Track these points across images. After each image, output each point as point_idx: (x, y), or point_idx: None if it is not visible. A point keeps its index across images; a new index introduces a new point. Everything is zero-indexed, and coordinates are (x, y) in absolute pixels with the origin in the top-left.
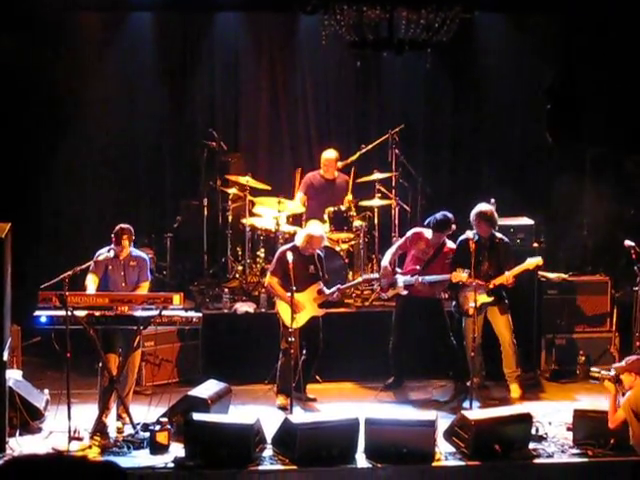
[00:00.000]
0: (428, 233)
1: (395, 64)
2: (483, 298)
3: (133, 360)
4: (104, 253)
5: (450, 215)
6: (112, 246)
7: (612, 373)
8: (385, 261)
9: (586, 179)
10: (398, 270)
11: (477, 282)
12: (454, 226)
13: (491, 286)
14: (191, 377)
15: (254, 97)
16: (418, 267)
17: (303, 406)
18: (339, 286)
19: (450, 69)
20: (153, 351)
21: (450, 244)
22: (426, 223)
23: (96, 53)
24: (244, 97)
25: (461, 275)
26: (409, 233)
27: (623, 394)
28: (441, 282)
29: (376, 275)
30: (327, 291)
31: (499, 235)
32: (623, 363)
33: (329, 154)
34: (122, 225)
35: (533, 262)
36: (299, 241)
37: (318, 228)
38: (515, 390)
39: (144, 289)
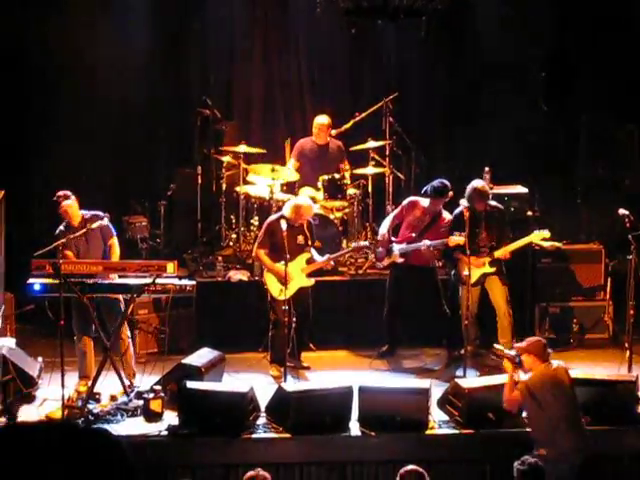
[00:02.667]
0: (424, 202)
1: (389, 32)
2: (485, 268)
3: (124, 328)
4: (59, 230)
5: (447, 182)
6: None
7: (513, 353)
8: (382, 229)
9: (580, 148)
10: (393, 239)
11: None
12: (451, 193)
13: (489, 258)
14: (185, 345)
15: (248, 65)
16: (413, 234)
17: (296, 374)
18: (329, 255)
19: (445, 37)
20: (146, 319)
21: (446, 214)
22: (423, 191)
23: (89, 20)
24: (238, 65)
25: (458, 238)
26: (405, 202)
27: (525, 372)
28: (438, 248)
29: (366, 243)
30: (318, 259)
31: (493, 203)
32: (524, 344)
33: (321, 119)
34: (58, 192)
35: (539, 235)
36: (287, 212)
37: (305, 198)
38: None
39: (115, 246)
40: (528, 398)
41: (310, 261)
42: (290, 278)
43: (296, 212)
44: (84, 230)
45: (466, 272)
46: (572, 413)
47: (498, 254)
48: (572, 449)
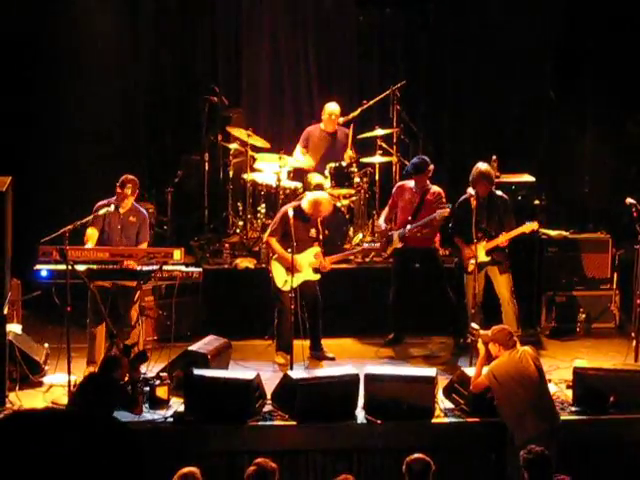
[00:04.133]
0: (410, 183)
1: (397, 19)
2: (481, 257)
3: (131, 315)
4: (104, 207)
5: (426, 157)
6: (113, 199)
7: (490, 333)
8: (380, 221)
9: (587, 137)
10: (393, 226)
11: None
12: (432, 166)
13: (486, 249)
14: (191, 332)
15: (256, 52)
16: (410, 217)
17: (309, 365)
18: (332, 257)
19: (452, 24)
20: (153, 306)
21: (435, 188)
22: (404, 172)
23: (96, 5)
24: (246, 52)
25: (442, 211)
26: (394, 189)
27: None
28: (430, 223)
29: (376, 245)
30: (321, 259)
31: (498, 193)
32: (489, 332)
33: (333, 107)
34: (128, 175)
35: (529, 226)
36: (305, 205)
37: (326, 194)
38: None
39: (143, 247)
40: (494, 384)
41: (318, 256)
42: (297, 270)
43: (315, 207)
44: (90, 217)
45: (472, 261)
46: (539, 399)
47: (489, 245)
48: (540, 435)
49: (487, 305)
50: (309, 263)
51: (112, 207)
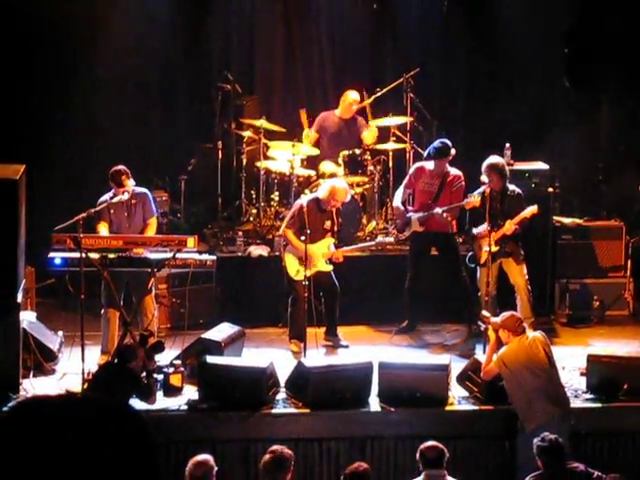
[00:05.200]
0: (430, 165)
1: (411, 6)
2: (492, 247)
3: (146, 303)
4: (104, 199)
5: (448, 141)
6: (112, 192)
7: (499, 320)
8: (396, 202)
9: (602, 124)
10: (410, 208)
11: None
12: (453, 151)
13: (494, 239)
14: (205, 320)
15: (269, 39)
16: (430, 201)
17: (324, 351)
18: (345, 249)
19: (467, 12)
20: (166, 294)
21: (454, 171)
22: (425, 154)
23: None
24: (259, 39)
25: (472, 200)
26: (411, 170)
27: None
28: (454, 212)
29: (391, 239)
30: (334, 250)
31: (511, 187)
32: (498, 319)
33: (354, 95)
34: (116, 168)
35: (529, 210)
36: (322, 193)
37: (342, 181)
38: None
39: (153, 225)
40: (504, 371)
41: (331, 247)
42: (312, 261)
43: (331, 194)
44: (104, 205)
45: (486, 248)
46: (549, 385)
47: (498, 234)
48: (550, 421)
49: (501, 298)
50: (322, 254)
51: (107, 196)
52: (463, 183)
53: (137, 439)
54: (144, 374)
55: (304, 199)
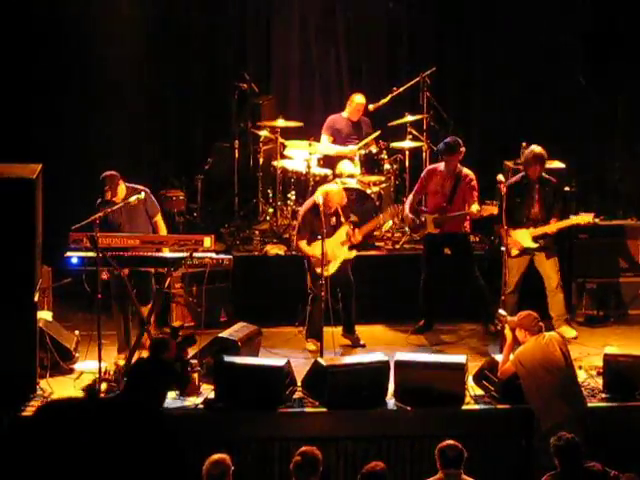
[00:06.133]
0: (441, 166)
1: (427, 5)
2: (527, 243)
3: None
4: (99, 202)
5: (457, 138)
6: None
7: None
8: (406, 211)
9: (618, 122)
10: (424, 209)
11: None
12: (463, 149)
13: (533, 235)
14: (221, 319)
15: (286, 39)
16: (444, 204)
17: (340, 350)
18: (362, 228)
19: (482, 10)
20: (183, 293)
21: (466, 171)
22: (435, 152)
23: None
24: (276, 38)
25: (491, 208)
26: (423, 173)
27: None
28: (471, 216)
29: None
30: (351, 234)
31: (546, 175)
32: (515, 318)
33: (361, 99)
34: (106, 174)
35: (584, 217)
36: (318, 199)
37: (334, 185)
38: (568, 331)
39: (161, 222)
40: (521, 370)
41: (349, 232)
42: (332, 257)
43: (325, 200)
44: (120, 204)
45: (510, 246)
46: (566, 384)
47: (538, 231)
48: (567, 421)
49: (524, 291)
50: (341, 242)
51: (142, 194)
52: (475, 182)
53: (160, 441)
54: (179, 365)
55: (304, 207)
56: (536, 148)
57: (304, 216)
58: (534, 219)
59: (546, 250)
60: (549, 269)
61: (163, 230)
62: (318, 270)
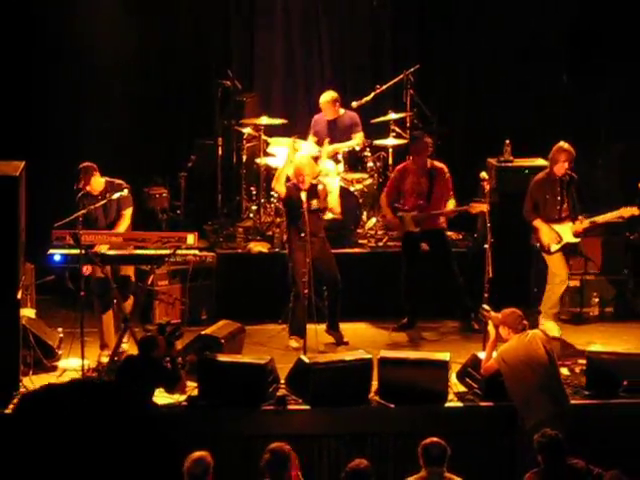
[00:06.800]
0: (410, 164)
1: (411, 3)
2: (569, 238)
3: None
4: (79, 197)
5: (418, 132)
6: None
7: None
8: (385, 212)
9: (602, 120)
10: (398, 206)
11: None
12: (428, 139)
13: (577, 230)
14: (204, 316)
15: (269, 36)
16: (421, 202)
17: (324, 347)
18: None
19: (466, 8)
20: (166, 290)
21: (438, 164)
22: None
23: None
24: (259, 36)
25: (480, 205)
26: (393, 173)
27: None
28: (456, 212)
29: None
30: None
31: (571, 172)
32: (499, 315)
33: (323, 97)
34: (82, 164)
35: (628, 210)
36: (292, 174)
37: (305, 156)
38: (553, 329)
39: (127, 216)
40: (504, 367)
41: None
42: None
43: (297, 171)
44: (103, 201)
45: (546, 242)
46: (548, 382)
47: (580, 226)
48: (550, 419)
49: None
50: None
51: (125, 191)
52: (449, 175)
53: (150, 433)
54: (168, 362)
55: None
56: (564, 145)
57: (287, 200)
58: (566, 216)
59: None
60: (561, 264)
61: (125, 223)
62: (302, 269)
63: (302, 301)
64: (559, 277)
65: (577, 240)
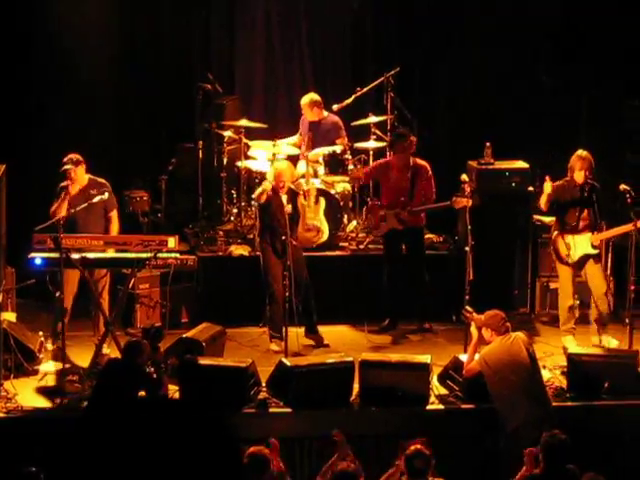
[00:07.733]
0: (392, 160)
1: (391, 5)
2: (586, 249)
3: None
4: (60, 187)
5: (403, 130)
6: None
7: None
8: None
9: (582, 122)
10: (378, 203)
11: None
12: (413, 138)
13: (597, 242)
14: (186, 320)
15: (250, 39)
16: (403, 198)
17: (303, 350)
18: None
19: (448, 10)
20: (147, 294)
21: (420, 161)
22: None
23: None
24: (239, 39)
25: (462, 200)
26: (373, 164)
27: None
28: (440, 209)
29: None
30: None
31: (591, 180)
32: (482, 317)
33: (302, 99)
34: (70, 154)
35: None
36: (272, 179)
37: (283, 161)
38: (610, 341)
39: (115, 218)
40: (486, 369)
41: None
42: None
43: (277, 176)
44: (84, 205)
45: (564, 252)
46: (530, 385)
47: (598, 237)
48: (531, 421)
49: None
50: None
51: (106, 195)
52: (431, 173)
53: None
54: (152, 367)
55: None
56: (581, 153)
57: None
58: (586, 226)
59: (594, 255)
60: (596, 276)
61: (116, 225)
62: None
63: (279, 303)
64: (562, 291)
65: (596, 251)
